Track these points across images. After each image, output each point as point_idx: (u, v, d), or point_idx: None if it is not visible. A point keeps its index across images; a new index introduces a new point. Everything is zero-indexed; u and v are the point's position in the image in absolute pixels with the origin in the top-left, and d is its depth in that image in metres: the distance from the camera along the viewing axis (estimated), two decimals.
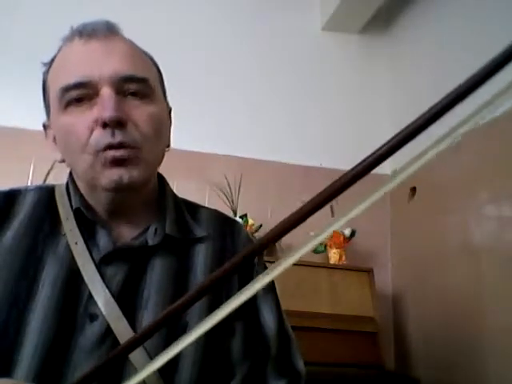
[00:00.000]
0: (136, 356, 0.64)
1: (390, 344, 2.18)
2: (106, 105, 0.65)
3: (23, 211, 0.74)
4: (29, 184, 2.02)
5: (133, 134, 0.67)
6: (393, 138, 0.30)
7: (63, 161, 0.73)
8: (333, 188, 0.33)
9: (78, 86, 0.66)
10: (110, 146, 0.65)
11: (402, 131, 0.30)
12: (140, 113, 0.68)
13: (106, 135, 0.65)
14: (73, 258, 0.69)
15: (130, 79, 0.67)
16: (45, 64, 0.73)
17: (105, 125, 0.65)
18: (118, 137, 0.65)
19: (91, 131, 0.66)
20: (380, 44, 2.61)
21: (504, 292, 1.61)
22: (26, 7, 2.26)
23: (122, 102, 0.67)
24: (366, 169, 0.31)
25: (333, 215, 2.20)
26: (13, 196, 0.76)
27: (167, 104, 0.79)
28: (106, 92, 0.66)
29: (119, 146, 0.65)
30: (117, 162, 0.66)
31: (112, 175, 0.66)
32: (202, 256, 0.75)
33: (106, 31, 0.69)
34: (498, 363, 1.60)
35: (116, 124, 0.65)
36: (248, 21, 2.50)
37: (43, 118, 0.76)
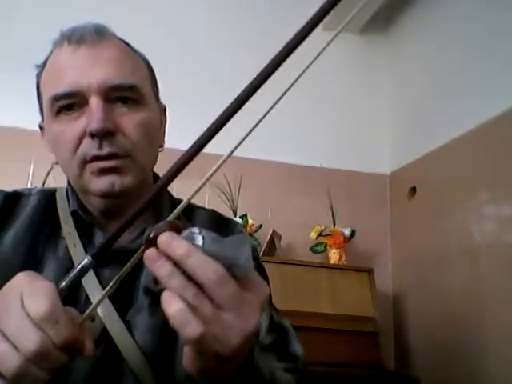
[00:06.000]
0: (131, 355, 0.65)
1: (390, 344, 2.18)
2: (93, 116, 0.65)
3: (25, 213, 0.75)
4: (29, 184, 2.02)
5: (122, 142, 0.67)
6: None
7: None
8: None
9: (67, 95, 0.66)
10: (97, 158, 0.66)
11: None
12: (129, 121, 0.68)
13: (94, 146, 0.65)
14: (71, 260, 0.69)
15: (118, 87, 0.67)
16: (38, 66, 0.74)
17: (93, 135, 0.65)
18: (106, 148, 0.65)
19: (80, 140, 0.66)
20: (380, 44, 2.61)
21: (504, 292, 1.61)
22: (25, 7, 2.26)
23: (110, 110, 0.67)
24: None
25: (333, 216, 2.21)
26: (15, 197, 0.77)
27: (160, 104, 0.79)
28: (94, 102, 0.66)
29: (108, 157, 0.66)
30: (106, 171, 0.66)
31: (102, 183, 0.66)
32: None
33: (94, 36, 0.69)
34: (498, 363, 1.60)
35: (104, 135, 0.65)
36: (248, 21, 2.50)
37: None
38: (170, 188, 0.82)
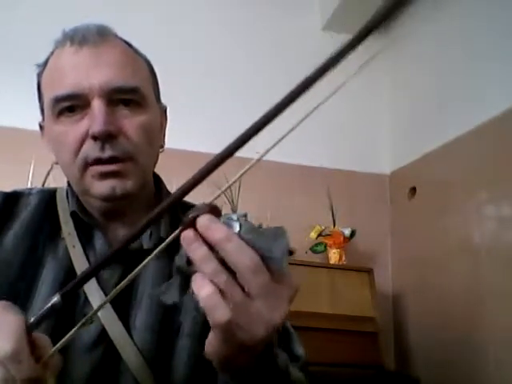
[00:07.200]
0: (129, 355, 0.65)
1: (390, 344, 2.18)
2: (96, 118, 0.65)
3: (25, 213, 0.75)
4: (29, 184, 2.02)
5: (124, 145, 0.67)
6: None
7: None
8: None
9: (69, 97, 0.66)
10: (99, 160, 0.65)
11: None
12: (131, 123, 0.68)
13: (96, 149, 0.65)
14: (71, 260, 0.70)
15: (120, 90, 0.67)
16: (39, 65, 0.73)
17: (95, 138, 0.65)
18: (108, 151, 0.65)
19: (82, 142, 0.66)
20: (380, 44, 2.61)
21: (504, 292, 1.61)
22: (26, 7, 2.26)
23: (112, 113, 0.66)
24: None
25: (333, 216, 2.20)
26: (15, 197, 0.77)
27: (161, 105, 0.78)
28: (97, 104, 0.65)
29: (110, 160, 0.66)
30: (108, 175, 0.66)
31: (103, 187, 0.66)
32: None
33: (97, 38, 0.68)
34: (498, 363, 1.60)
35: (106, 137, 0.65)
36: (248, 21, 2.50)
37: None
38: (170, 187, 0.83)
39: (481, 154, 1.79)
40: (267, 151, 0.41)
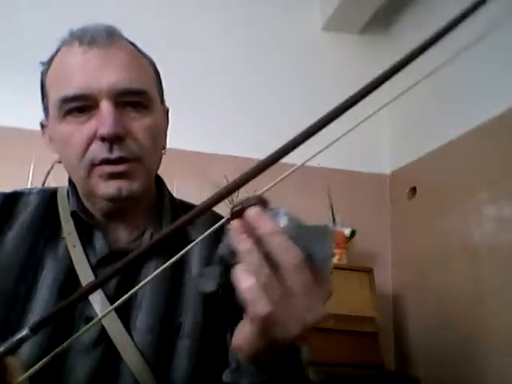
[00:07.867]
0: (130, 356, 0.65)
1: (390, 344, 2.18)
2: (104, 120, 0.65)
3: (25, 213, 0.75)
4: (29, 184, 2.02)
5: (131, 147, 0.67)
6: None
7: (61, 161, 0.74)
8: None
9: (77, 98, 0.66)
10: (106, 161, 0.66)
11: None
12: (138, 125, 0.68)
13: (103, 150, 0.66)
14: (71, 260, 0.70)
15: (128, 92, 0.67)
16: (43, 64, 0.73)
17: (103, 139, 0.65)
18: (116, 152, 0.66)
19: (89, 143, 0.66)
20: (380, 44, 2.61)
21: (504, 292, 1.61)
22: (26, 7, 2.26)
23: (120, 115, 0.67)
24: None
25: (333, 216, 2.20)
26: (15, 198, 0.77)
27: (164, 107, 0.79)
28: (105, 106, 0.66)
29: (117, 161, 0.66)
30: (115, 175, 0.66)
31: (109, 187, 0.67)
32: (196, 256, 0.75)
33: (105, 39, 0.69)
34: (498, 363, 1.60)
35: (114, 139, 0.65)
36: (248, 21, 2.50)
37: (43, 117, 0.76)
38: (170, 187, 0.83)
39: (481, 153, 1.79)
40: (313, 156, 0.41)
